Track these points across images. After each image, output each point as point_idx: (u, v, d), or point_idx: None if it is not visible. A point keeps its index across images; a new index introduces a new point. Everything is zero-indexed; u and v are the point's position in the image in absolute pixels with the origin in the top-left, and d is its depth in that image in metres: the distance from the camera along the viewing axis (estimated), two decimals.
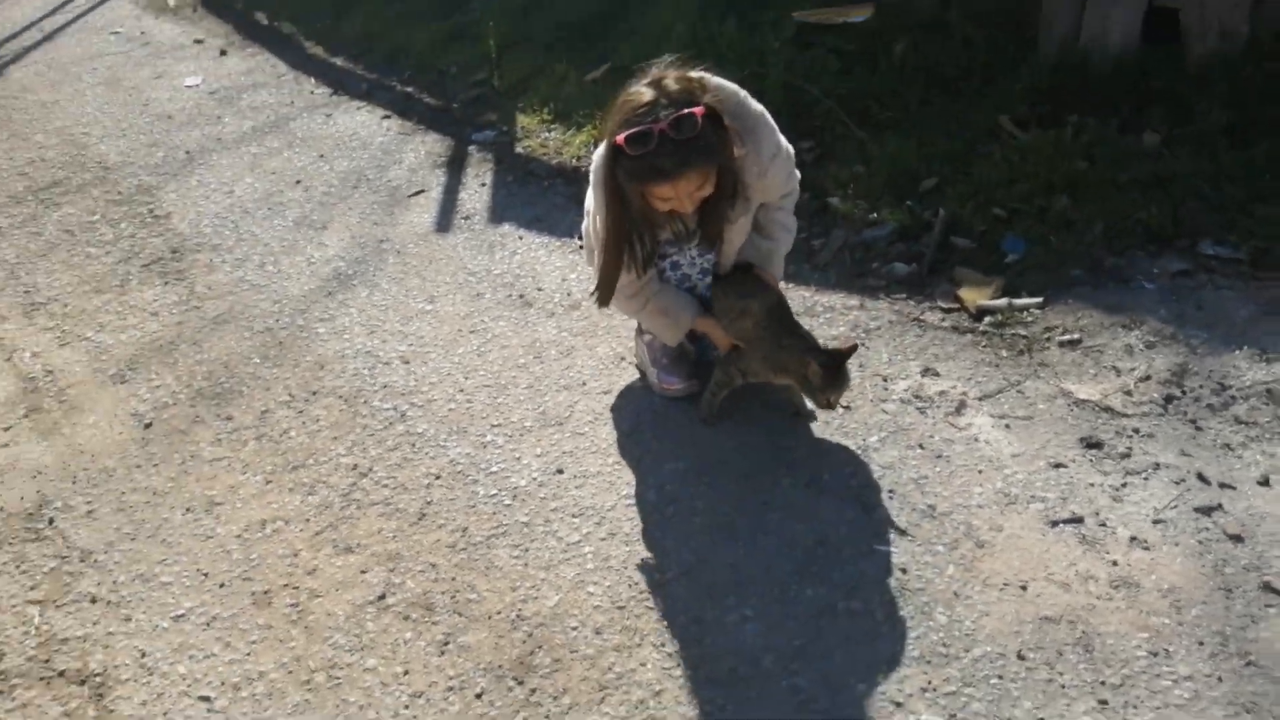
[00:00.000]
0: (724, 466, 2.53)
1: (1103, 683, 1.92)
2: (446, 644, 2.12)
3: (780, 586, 2.19)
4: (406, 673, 2.07)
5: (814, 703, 1.94)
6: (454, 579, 2.28)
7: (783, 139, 2.42)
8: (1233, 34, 3.46)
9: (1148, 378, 2.68)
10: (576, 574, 2.27)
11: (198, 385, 2.97)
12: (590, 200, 2.43)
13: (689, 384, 2.74)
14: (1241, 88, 3.40)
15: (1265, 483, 2.32)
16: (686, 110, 2.05)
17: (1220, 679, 1.90)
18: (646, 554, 2.30)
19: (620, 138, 2.08)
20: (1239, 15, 3.43)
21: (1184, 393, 2.62)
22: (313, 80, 5.54)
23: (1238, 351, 2.69)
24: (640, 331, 2.83)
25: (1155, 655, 1.96)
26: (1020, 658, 1.99)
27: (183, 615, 2.21)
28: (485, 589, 2.25)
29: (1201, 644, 1.97)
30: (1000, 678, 1.96)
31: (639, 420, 2.72)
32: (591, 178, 2.34)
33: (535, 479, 2.54)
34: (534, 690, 2.01)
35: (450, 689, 2.03)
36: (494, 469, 2.59)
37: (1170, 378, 2.66)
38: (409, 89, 5.25)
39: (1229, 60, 3.45)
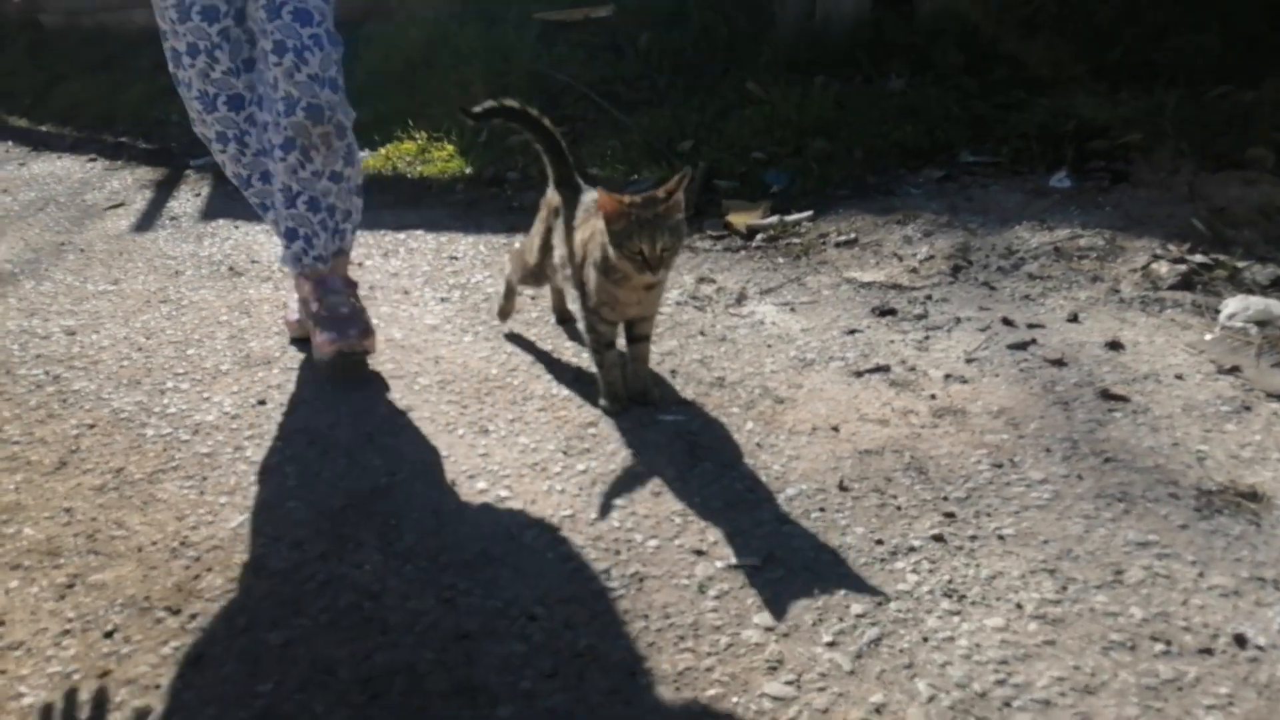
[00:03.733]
0: (473, 378, 2.05)
1: (945, 498, 1.55)
2: (71, 586, 1.48)
3: (544, 466, 1.71)
4: (0, 624, 1.40)
5: (586, 568, 1.44)
6: (94, 519, 1.64)
7: None
8: None
9: (931, 257, 2.47)
10: (271, 493, 1.69)
11: None
12: None
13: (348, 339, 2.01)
14: (972, 31, 3.45)
15: (1075, 319, 2.11)
16: None
17: (1080, 477, 1.58)
18: (372, 461, 1.76)
19: None
20: None
21: (971, 263, 2.42)
22: (10, 143, 4.86)
23: (1018, 226, 2.55)
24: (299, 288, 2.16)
25: (1000, 467, 1.62)
26: (843, 489, 1.59)
27: None
28: (139, 524, 1.62)
29: (1049, 451, 1.65)
30: (822, 510, 1.54)
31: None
32: None
33: (226, 414, 1.97)
34: (194, 616, 1.40)
35: (66, 632, 1.38)
36: (171, 411, 1.99)
37: (954, 253, 2.46)
38: (123, 139, 4.66)
39: (957, 10, 3.52)
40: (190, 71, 1.98)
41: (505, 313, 2.26)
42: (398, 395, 2.00)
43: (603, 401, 1.87)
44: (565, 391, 1.97)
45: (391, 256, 2.83)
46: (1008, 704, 1.15)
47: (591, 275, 1.78)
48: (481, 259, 2.76)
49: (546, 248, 2.01)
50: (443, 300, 2.47)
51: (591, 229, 1.79)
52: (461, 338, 2.25)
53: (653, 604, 1.36)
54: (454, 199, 3.32)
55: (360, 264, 2.76)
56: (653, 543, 1.49)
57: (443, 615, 1.37)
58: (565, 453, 1.75)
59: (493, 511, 1.59)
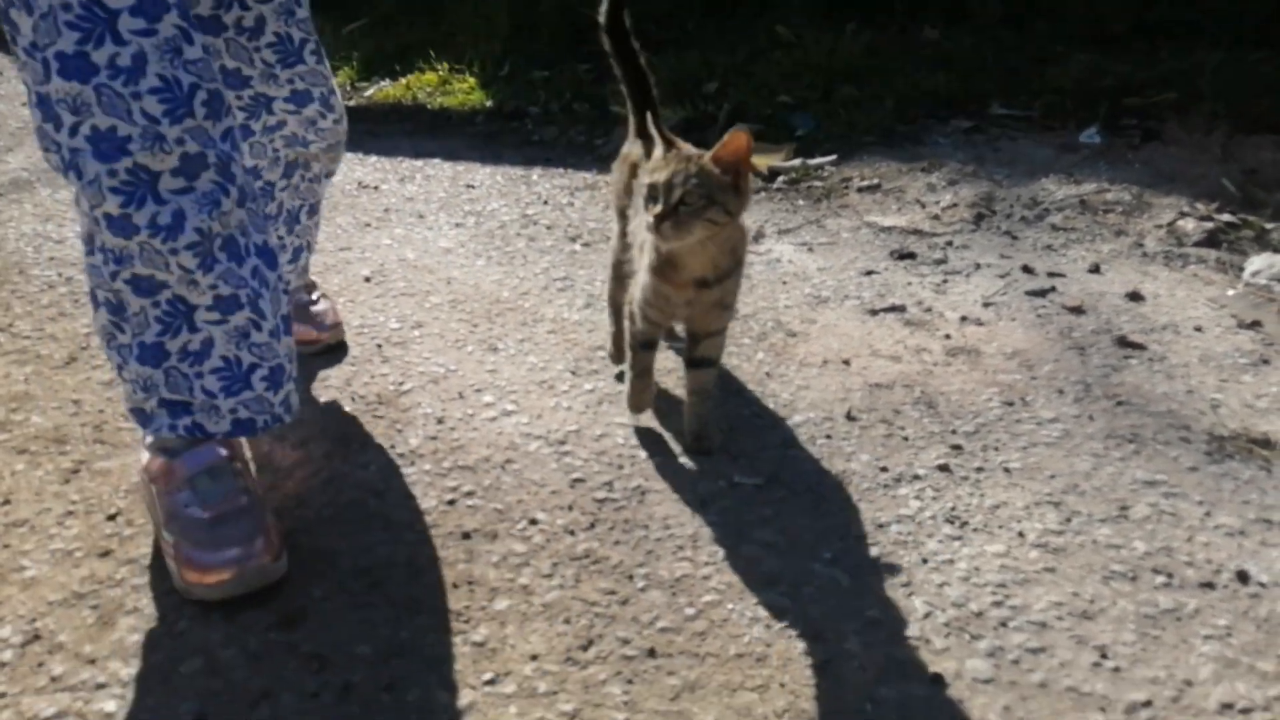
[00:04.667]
0: (484, 299, 2.05)
1: (953, 431, 1.54)
2: (76, 471, 1.49)
3: (551, 384, 1.70)
4: (5, 503, 1.41)
5: (589, 480, 1.43)
6: (102, 411, 1.65)
7: None
8: None
9: (954, 205, 2.43)
10: None
11: None
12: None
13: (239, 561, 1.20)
14: None
15: (1096, 270, 2.09)
16: None
17: (1092, 418, 1.56)
18: (380, 370, 1.76)
19: None
20: None
21: (994, 212, 2.38)
22: None
23: (1044, 179, 2.51)
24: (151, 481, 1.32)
25: (1010, 405, 1.60)
26: (850, 419, 1.58)
27: None
28: None
29: (1061, 392, 1.64)
30: (829, 437, 1.53)
31: (383, 263, 2.20)
32: None
33: None
34: None
35: (69, 513, 1.39)
36: None
37: (978, 202, 2.43)
38: None
39: None
40: (145, 42, 1.06)
41: (619, 354, 1.74)
42: (408, 311, 1.99)
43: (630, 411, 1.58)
44: (576, 316, 1.96)
45: (408, 182, 2.81)
46: (1004, 624, 1.15)
47: (644, 268, 1.45)
48: (498, 189, 2.74)
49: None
50: (457, 225, 2.46)
51: None
52: (474, 261, 2.24)
53: (653, 515, 1.36)
54: (473, 130, 3.29)
55: (376, 187, 2.75)
56: (656, 459, 1.48)
57: (444, 515, 1.37)
58: (573, 373, 1.74)
59: (498, 423, 1.59)
